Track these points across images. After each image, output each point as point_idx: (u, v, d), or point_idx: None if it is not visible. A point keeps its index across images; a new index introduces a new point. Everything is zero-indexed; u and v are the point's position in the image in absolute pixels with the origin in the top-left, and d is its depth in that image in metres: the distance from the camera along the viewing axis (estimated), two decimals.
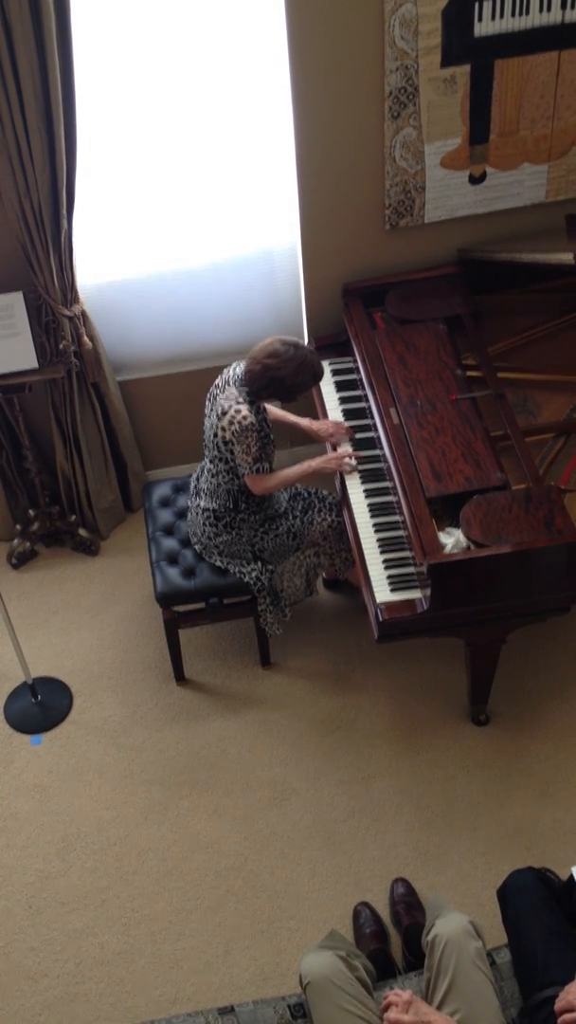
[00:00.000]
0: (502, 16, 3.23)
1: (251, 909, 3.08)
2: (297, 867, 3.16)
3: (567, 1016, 2.11)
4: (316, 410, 3.66)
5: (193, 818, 3.30)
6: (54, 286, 3.49)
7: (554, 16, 3.25)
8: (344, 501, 3.35)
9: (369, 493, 3.31)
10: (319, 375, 3.25)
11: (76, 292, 3.58)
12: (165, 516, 3.66)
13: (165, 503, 3.71)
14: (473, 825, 3.21)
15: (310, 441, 4.07)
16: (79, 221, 3.47)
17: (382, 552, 3.14)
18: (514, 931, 2.47)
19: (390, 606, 2.99)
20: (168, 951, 3.01)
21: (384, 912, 3.03)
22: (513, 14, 3.23)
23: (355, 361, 3.62)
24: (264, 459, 3.23)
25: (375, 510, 3.26)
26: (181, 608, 3.52)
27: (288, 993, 2.65)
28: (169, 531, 3.62)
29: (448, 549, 2.94)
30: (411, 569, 3.08)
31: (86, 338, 3.65)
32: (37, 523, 4.11)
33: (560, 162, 3.61)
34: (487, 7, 3.19)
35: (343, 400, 3.63)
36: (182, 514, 3.65)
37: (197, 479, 3.51)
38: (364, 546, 3.18)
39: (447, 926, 2.40)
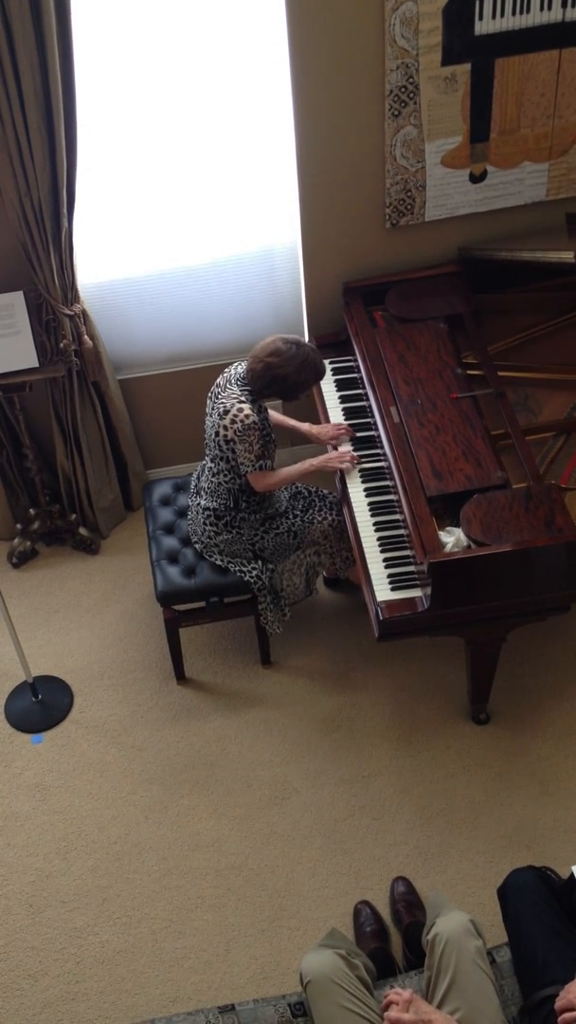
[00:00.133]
0: (503, 15, 3.23)
1: (251, 908, 3.08)
2: (297, 866, 3.16)
3: (567, 1015, 2.11)
4: (316, 409, 3.66)
5: (193, 817, 3.30)
6: (55, 285, 3.49)
7: (555, 14, 3.25)
8: (344, 500, 3.35)
9: (369, 492, 3.31)
10: (321, 373, 3.25)
11: (76, 291, 3.58)
12: (165, 515, 3.66)
13: (165, 502, 3.71)
14: (473, 824, 3.21)
15: (310, 441, 4.07)
16: (79, 220, 3.47)
17: (382, 551, 3.14)
18: (514, 930, 2.47)
19: (390, 605, 2.99)
20: (168, 950, 3.01)
21: (384, 911, 3.03)
22: (514, 12, 3.23)
23: (355, 360, 3.62)
24: (266, 457, 3.24)
25: (375, 509, 3.26)
26: (181, 607, 3.52)
27: (289, 992, 2.66)
28: (169, 530, 3.62)
29: (448, 548, 2.94)
30: (411, 568, 3.08)
31: (86, 337, 3.65)
32: (37, 522, 4.11)
33: (561, 160, 3.61)
34: (488, 5, 3.19)
35: (343, 399, 3.63)
36: (182, 513, 3.65)
37: (198, 478, 3.51)
38: (364, 545, 3.18)
39: (447, 925, 2.40)
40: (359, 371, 3.59)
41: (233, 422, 3.16)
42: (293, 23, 3.15)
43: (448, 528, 3.02)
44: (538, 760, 3.35)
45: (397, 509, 3.22)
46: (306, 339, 3.92)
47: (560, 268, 3.36)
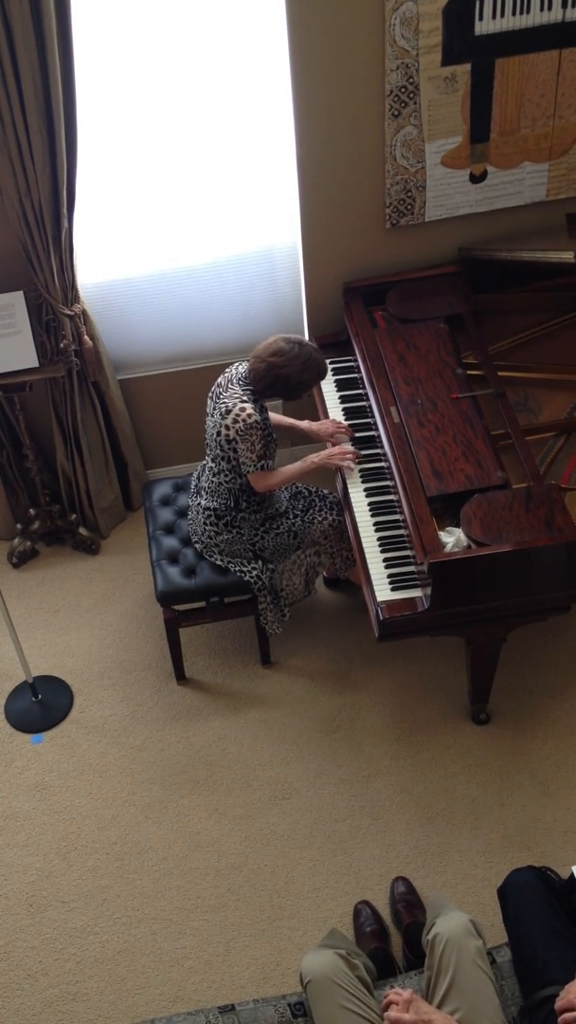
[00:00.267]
0: (503, 15, 3.23)
1: (251, 908, 3.08)
2: (297, 866, 3.16)
3: (567, 1015, 2.11)
4: (317, 409, 3.66)
5: (193, 817, 3.30)
6: (55, 285, 3.49)
7: (555, 15, 3.25)
8: (345, 500, 3.35)
9: (370, 492, 3.31)
10: (323, 373, 3.25)
11: (77, 291, 3.58)
12: (166, 515, 3.66)
13: (165, 502, 3.71)
14: (473, 824, 3.21)
15: (311, 440, 4.06)
16: (80, 220, 3.47)
17: (383, 551, 3.14)
18: (514, 930, 2.47)
19: (391, 605, 2.99)
20: (168, 950, 3.01)
21: (384, 911, 3.03)
22: (514, 13, 3.23)
23: (356, 360, 3.62)
24: (267, 457, 3.24)
25: (376, 509, 3.26)
26: (182, 607, 3.52)
27: (289, 992, 2.66)
28: (170, 530, 3.62)
29: (448, 548, 2.94)
30: (412, 568, 3.08)
31: (87, 337, 3.65)
32: (38, 522, 4.11)
33: (561, 161, 3.61)
34: (488, 6, 3.19)
35: (343, 399, 3.63)
36: (183, 513, 3.65)
37: (198, 478, 3.51)
38: (365, 545, 3.18)
39: (447, 925, 2.40)
40: (359, 371, 3.59)
41: (235, 421, 3.16)
42: (293, 23, 3.15)
43: (448, 528, 3.02)
44: (538, 760, 3.35)
45: (397, 509, 3.22)
46: (307, 339, 3.93)
47: (560, 268, 3.36)
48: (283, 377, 3.15)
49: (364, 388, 3.54)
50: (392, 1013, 2.19)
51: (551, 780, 3.29)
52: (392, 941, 2.95)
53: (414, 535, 3.00)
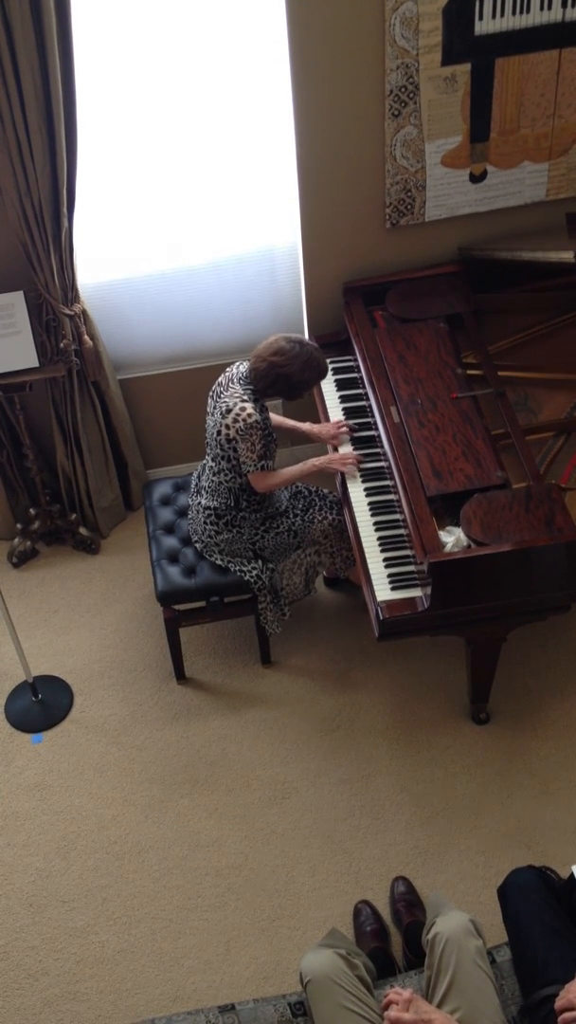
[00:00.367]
0: (503, 14, 3.23)
1: (251, 907, 3.08)
2: (297, 865, 3.16)
3: (567, 1015, 2.11)
4: (317, 408, 3.66)
5: (193, 817, 3.30)
6: (55, 285, 3.49)
7: (555, 14, 3.25)
8: (345, 500, 3.35)
9: (370, 492, 3.31)
10: (324, 372, 3.25)
11: (77, 291, 3.59)
12: (166, 515, 3.66)
13: (166, 502, 3.71)
14: (473, 823, 3.21)
15: (311, 441, 4.07)
16: (80, 220, 3.47)
17: (383, 550, 3.14)
18: (514, 930, 2.47)
19: (390, 604, 2.99)
20: (168, 949, 3.01)
21: (384, 910, 3.03)
22: (514, 12, 3.23)
23: (356, 360, 3.62)
24: (267, 457, 3.24)
25: (375, 508, 3.26)
26: (182, 607, 3.52)
27: (289, 991, 2.66)
28: (170, 530, 3.62)
29: (448, 547, 2.94)
30: (411, 567, 3.08)
31: (87, 337, 3.65)
32: (38, 522, 4.11)
33: (561, 160, 3.61)
34: (488, 5, 3.19)
35: (343, 399, 3.63)
36: (183, 512, 3.65)
37: (198, 477, 3.51)
38: (364, 544, 3.18)
39: (447, 924, 2.40)
40: (359, 371, 3.59)
41: (236, 421, 3.16)
42: (293, 23, 3.15)
43: (448, 528, 3.02)
44: (538, 760, 3.35)
45: (397, 509, 3.22)
46: (307, 338, 3.93)
47: (560, 268, 3.36)
48: (284, 376, 3.16)
49: (364, 388, 3.54)
50: (392, 1013, 2.19)
51: (551, 780, 3.29)
52: (392, 941, 2.95)
53: (414, 535, 3.00)
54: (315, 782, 3.36)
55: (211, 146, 3.51)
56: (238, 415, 3.16)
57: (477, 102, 3.41)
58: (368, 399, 3.48)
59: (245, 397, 3.19)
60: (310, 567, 3.58)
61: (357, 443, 3.45)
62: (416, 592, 3.01)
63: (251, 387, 3.22)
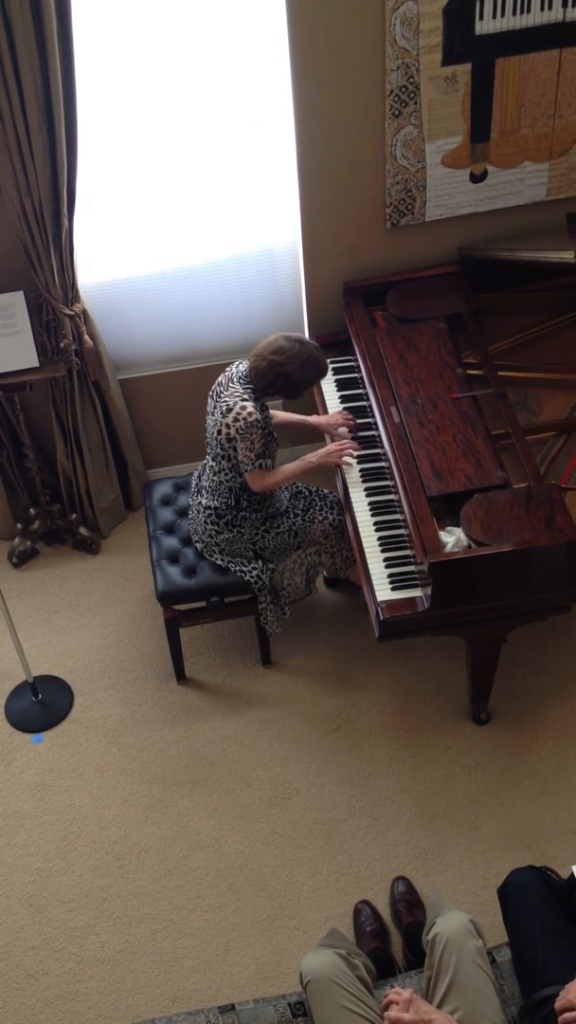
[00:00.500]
0: (503, 14, 3.23)
1: (251, 908, 3.08)
2: (298, 866, 3.16)
3: (567, 1015, 2.11)
4: (317, 408, 3.66)
5: (194, 817, 3.30)
6: (55, 285, 3.49)
7: (555, 14, 3.25)
8: (345, 500, 3.35)
9: (370, 492, 3.31)
10: (324, 370, 3.25)
11: (77, 291, 3.58)
12: (166, 515, 3.66)
13: (166, 502, 3.71)
14: (474, 824, 3.21)
15: (311, 440, 4.07)
16: (80, 220, 3.47)
17: (383, 551, 3.14)
18: (514, 930, 2.47)
19: (391, 605, 2.99)
20: (169, 950, 3.01)
21: (385, 911, 3.03)
22: (514, 12, 3.23)
23: (356, 360, 3.62)
24: (266, 456, 3.24)
25: (376, 509, 3.26)
26: (182, 607, 3.52)
27: (289, 992, 2.66)
28: (170, 530, 3.62)
29: (449, 548, 2.94)
30: (412, 568, 3.08)
31: (87, 336, 3.65)
32: (38, 522, 4.11)
33: (561, 160, 3.61)
34: (488, 5, 3.19)
35: (344, 399, 3.63)
36: (183, 513, 3.65)
37: (199, 477, 3.51)
38: (365, 545, 3.18)
39: (447, 925, 2.40)
40: (359, 371, 3.59)
41: (236, 420, 3.16)
42: (293, 23, 3.15)
43: (448, 528, 3.02)
44: (538, 760, 3.35)
45: (397, 509, 3.22)
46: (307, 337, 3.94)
47: (560, 268, 3.36)
48: (284, 375, 3.16)
49: (364, 388, 3.54)
50: (392, 1013, 2.19)
51: (551, 780, 3.29)
52: (392, 941, 2.95)
53: (414, 535, 3.00)
54: (315, 782, 3.36)
55: (211, 146, 3.51)
56: (238, 414, 3.16)
57: (477, 102, 3.41)
58: (368, 399, 3.48)
59: (245, 396, 3.19)
60: (311, 567, 3.58)
61: (357, 442, 3.45)
62: (416, 592, 3.01)
63: (251, 386, 3.22)
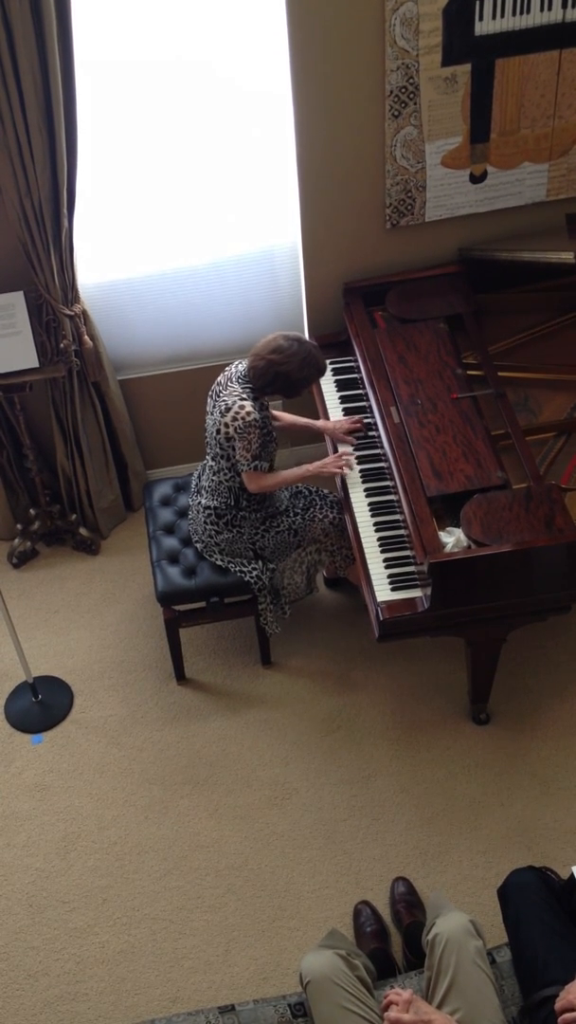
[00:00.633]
0: (503, 15, 3.23)
1: (251, 908, 3.08)
2: (297, 866, 3.16)
3: (567, 1016, 2.11)
4: (317, 408, 3.66)
5: (193, 817, 3.30)
6: (55, 285, 3.49)
7: (555, 15, 3.25)
8: (345, 500, 3.35)
9: (370, 492, 3.31)
10: (323, 370, 3.26)
11: (77, 291, 3.58)
12: (166, 515, 3.66)
13: (166, 502, 3.71)
14: (474, 824, 3.21)
15: (312, 440, 4.07)
16: (80, 220, 3.47)
17: (383, 551, 3.14)
18: (514, 930, 2.47)
19: (391, 605, 2.99)
20: (168, 950, 3.01)
21: (385, 911, 3.03)
22: (514, 13, 3.23)
23: (356, 360, 3.62)
24: (263, 457, 3.24)
25: (376, 509, 3.26)
26: (182, 607, 3.52)
27: (289, 992, 2.66)
28: (170, 530, 3.62)
29: (448, 548, 2.94)
30: (412, 568, 3.08)
31: (87, 337, 3.65)
32: (38, 522, 4.11)
33: (561, 161, 3.61)
34: (488, 6, 3.19)
35: (344, 399, 3.63)
36: (183, 513, 3.65)
37: (198, 477, 3.51)
38: (365, 545, 3.18)
39: (447, 925, 2.40)
40: (359, 371, 3.59)
41: (235, 419, 3.17)
42: (293, 23, 3.15)
43: (448, 528, 3.02)
44: (538, 760, 3.35)
45: (397, 509, 3.22)
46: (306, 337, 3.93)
47: (560, 268, 3.36)
48: (283, 374, 3.16)
49: (364, 388, 3.54)
50: (392, 1013, 2.19)
51: (551, 780, 3.29)
52: (392, 941, 2.95)
53: (414, 535, 3.00)
54: (315, 783, 3.36)
55: (211, 146, 3.51)
56: (237, 413, 3.16)
57: (477, 103, 3.41)
58: (368, 399, 3.48)
59: (244, 396, 3.19)
60: (311, 566, 3.58)
61: (357, 443, 3.45)
62: (416, 593, 3.01)
63: (250, 385, 3.22)
